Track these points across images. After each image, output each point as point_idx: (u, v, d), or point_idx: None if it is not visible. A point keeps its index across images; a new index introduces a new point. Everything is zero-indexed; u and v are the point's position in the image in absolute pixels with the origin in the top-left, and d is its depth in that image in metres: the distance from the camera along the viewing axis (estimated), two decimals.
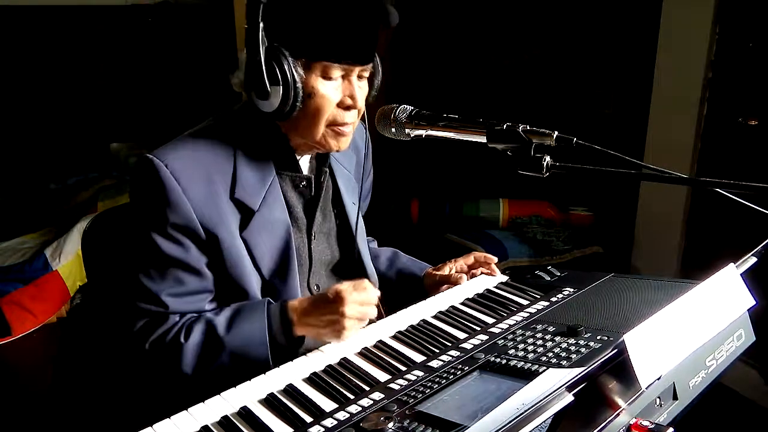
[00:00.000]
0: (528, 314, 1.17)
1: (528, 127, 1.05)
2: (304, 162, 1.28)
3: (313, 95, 1.14)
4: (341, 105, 1.17)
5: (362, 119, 1.29)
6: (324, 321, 1.12)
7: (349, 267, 1.36)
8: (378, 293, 1.16)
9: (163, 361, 1.15)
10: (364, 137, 1.42)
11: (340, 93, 1.17)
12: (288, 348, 1.15)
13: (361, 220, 1.38)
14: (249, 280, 1.18)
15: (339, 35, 1.12)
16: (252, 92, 1.13)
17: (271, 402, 0.96)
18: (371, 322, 1.18)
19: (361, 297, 1.11)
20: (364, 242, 1.39)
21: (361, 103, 1.20)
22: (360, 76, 1.19)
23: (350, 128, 1.21)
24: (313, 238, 1.29)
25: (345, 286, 1.11)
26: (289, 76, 1.10)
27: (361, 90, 1.19)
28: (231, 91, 1.23)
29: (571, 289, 1.26)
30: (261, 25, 1.09)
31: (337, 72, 1.14)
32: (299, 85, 1.12)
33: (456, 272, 1.43)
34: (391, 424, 0.84)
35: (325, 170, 1.30)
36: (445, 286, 1.38)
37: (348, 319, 1.09)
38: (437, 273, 1.43)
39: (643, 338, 0.77)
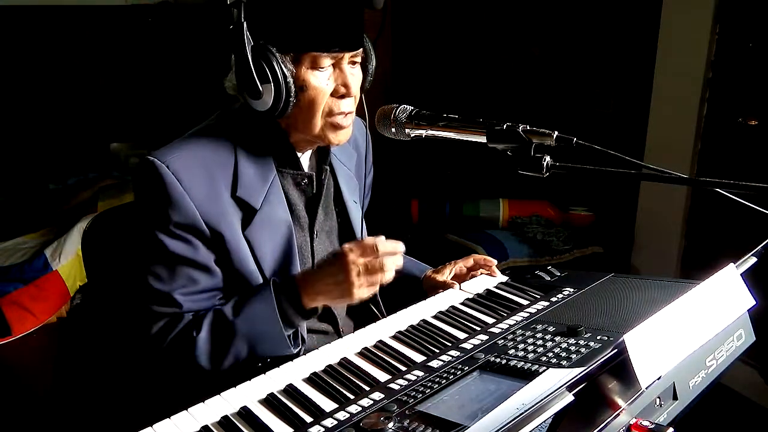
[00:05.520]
0: (528, 314, 1.17)
1: (528, 127, 1.05)
2: (305, 159, 1.28)
3: (305, 88, 1.13)
4: (335, 94, 1.16)
5: (363, 117, 1.28)
6: (331, 282, 1.11)
7: None
8: (387, 245, 1.11)
9: (180, 359, 1.15)
10: (364, 135, 1.41)
11: (333, 82, 1.16)
12: (300, 323, 1.15)
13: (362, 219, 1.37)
14: (253, 279, 1.18)
15: (322, 23, 1.10)
16: (245, 93, 1.13)
17: (271, 402, 0.96)
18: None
19: (365, 250, 1.10)
20: None
21: (356, 90, 1.19)
22: (352, 63, 1.18)
23: (348, 119, 1.20)
24: (315, 236, 1.29)
25: (347, 245, 1.11)
26: (278, 72, 1.09)
27: (354, 77, 1.18)
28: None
29: (571, 289, 1.26)
30: (244, 24, 1.09)
31: (326, 61, 1.13)
32: (290, 80, 1.11)
33: (456, 274, 1.43)
34: (391, 424, 0.84)
35: (326, 168, 1.30)
36: (440, 291, 1.38)
37: (354, 274, 1.09)
38: (435, 277, 1.43)
39: (643, 338, 0.77)
